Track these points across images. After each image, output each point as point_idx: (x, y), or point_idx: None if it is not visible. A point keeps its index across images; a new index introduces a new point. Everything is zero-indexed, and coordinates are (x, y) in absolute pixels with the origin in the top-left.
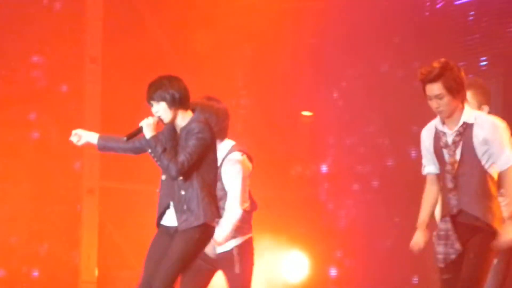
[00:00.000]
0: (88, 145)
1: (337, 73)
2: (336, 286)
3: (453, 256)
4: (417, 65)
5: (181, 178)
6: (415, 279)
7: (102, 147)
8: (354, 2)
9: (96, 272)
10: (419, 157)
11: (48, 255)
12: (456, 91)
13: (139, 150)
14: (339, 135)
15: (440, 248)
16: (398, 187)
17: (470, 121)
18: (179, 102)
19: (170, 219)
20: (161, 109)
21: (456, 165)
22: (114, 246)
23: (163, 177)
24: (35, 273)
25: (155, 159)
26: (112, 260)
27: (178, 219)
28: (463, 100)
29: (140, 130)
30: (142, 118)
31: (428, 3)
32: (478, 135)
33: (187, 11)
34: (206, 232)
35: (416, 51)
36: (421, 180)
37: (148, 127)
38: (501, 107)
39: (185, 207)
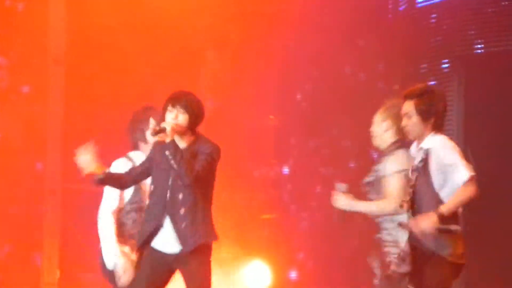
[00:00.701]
0: (51, 146)
1: (301, 76)
2: (299, 286)
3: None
4: (381, 68)
5: (182, 196)
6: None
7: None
8: (318, 5)
9: (58, 274)
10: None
11: (9, 257)
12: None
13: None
14: (303, 137)
15: None
16: (361, 189)
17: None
18: (195, 124)
19: (164, 243)
20: (182, 120)
21: None
22: (76, 248)
23: (150, 201)
24: None
25: (173, 163)
26: (74, 262)
27: (180, 239)
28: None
29: (163, 130)
30: (105, 120)
31: (390, 6)
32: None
33: (152, 13)
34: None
35: (380, 54)
36: None
37: (171, 131)
38: (463, 109)
39: (183, 225)
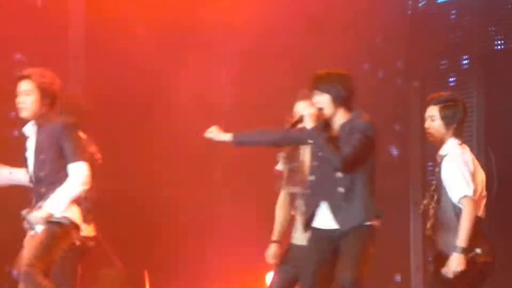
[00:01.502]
0: None
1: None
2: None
3: None
4: (400, 65)
5: (340, 174)
6: (398, 278)
7: (238, 143)
8: (337, 2)
9: None
10: (400, 155)
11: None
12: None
13: (282, 143)
14: None
15: None
16: (382, 186)
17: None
18: (343, 100)
19: (325, 221)
20: (323, 101)
21: None
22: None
23: (312, 177)
24: None
25: (318, 149)
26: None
27: (336, 219)
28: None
29: (301, 119)
30: (125, 117)
31: (410, 2)
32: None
33: (171, 10)
34: (372, 232)
35: (399, 51)
36: (405, 180)
37: (309, 117)
38: (483, 106)
39: (343, 204)
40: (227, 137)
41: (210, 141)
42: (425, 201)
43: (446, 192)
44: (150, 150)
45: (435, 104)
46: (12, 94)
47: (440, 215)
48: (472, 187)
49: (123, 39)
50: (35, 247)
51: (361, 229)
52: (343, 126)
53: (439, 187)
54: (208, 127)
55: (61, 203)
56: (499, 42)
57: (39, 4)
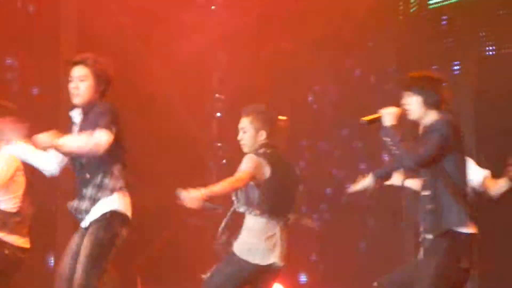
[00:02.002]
0: None
1: (312, 77)
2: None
3: None
4: (391, 69)
5: (423, 178)
6: None
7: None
8: (328, 6)
9: None
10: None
11: None
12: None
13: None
14: (314, 139)
15: None
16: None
17: None
18: (433, 103)
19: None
20: (414, 103)
21: None
22: None
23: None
24: None
25: (393, 147)
26: None
27: (422, 223)
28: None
29: (379, 117)
30: (119, 121)
31: (401, 7)
32: None
33: (163, 17)
34: (454, 240)
35: (391, 56)
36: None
37: (388, 115)
38: (474, 111)
39: (428, 207)
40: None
41: (203, 141)
42: None
43: None
44: (143, 150)
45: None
46: (4, 99)
47: None
48: None
49: (115, 44)
50: None
51: (443, 238)
52: (424, 128)
53: None
54: (201, 126)
55: (69, 143)
56: (490, 47)
57: (31, 8)
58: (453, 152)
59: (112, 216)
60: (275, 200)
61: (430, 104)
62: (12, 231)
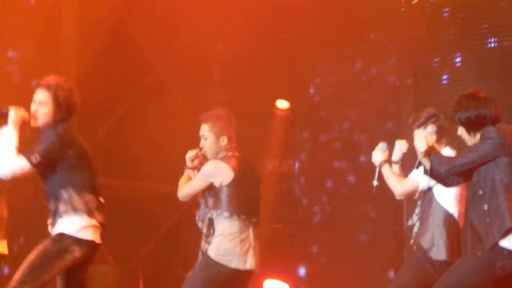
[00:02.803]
0: None
1: (313, 70)
2: (312, 281)
3: None
4: (393, 62)
5: (480, 191)
6: (392, 273)
7: None
8: None
9: None
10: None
11: (24, 249)
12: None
13: None
14: (315, 131)
15: None
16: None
17: None
18: (474, 124)
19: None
20: (462, 133)
21: None
22: None
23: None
24: None
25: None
26: None
27: (483, 236)
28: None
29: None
30: (118, 114)
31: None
32: None
33: (163, 8)
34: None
35: (392, 48)
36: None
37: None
38: None
39: (487, 221)
40: None
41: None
42: None
43: None
44: (142, 146)
45: (418, 128)
46: (5, 91)
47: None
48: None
49: (117, 38)
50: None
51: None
52: None
53: None
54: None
55: None
56: (492, 39)
57: (32, 2)
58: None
59: (64, 235)
60: (242, 201)
61: (472, 127)
62: None
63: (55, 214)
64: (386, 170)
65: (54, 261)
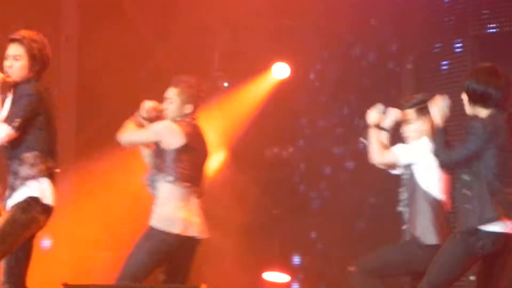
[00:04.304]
0: (63, 125)
1: (313, 56)
2: (310, 268)
3: None
4: (394, 47)
5: (465, 176)
6: None
7: None
8: None
9: None
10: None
11: None
12: None
13: None
14: (314, 117)
15: None
16: (373, 168)
17: None
18: (477, 98)
19: None
20: (464, 99)
21: None
22: None
23: None
24: None
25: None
26: None
27: (462, 218)
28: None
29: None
30: (117, 97)
31: None
32: None
33: None
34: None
35: (393, 33)
36: None
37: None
38: None
39: (469, 207)
40: None
41: None
42: None
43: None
44: None
45: (410, 107)
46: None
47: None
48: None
49: (117, 20)
50: None
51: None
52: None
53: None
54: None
55: None
56: (492, 25)
57: None
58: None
59: (31, 202)
60: (187, 169)
61: (474, 100)
62: None
63: (16, 177)
64: (372, 134)
65: (23, 230)
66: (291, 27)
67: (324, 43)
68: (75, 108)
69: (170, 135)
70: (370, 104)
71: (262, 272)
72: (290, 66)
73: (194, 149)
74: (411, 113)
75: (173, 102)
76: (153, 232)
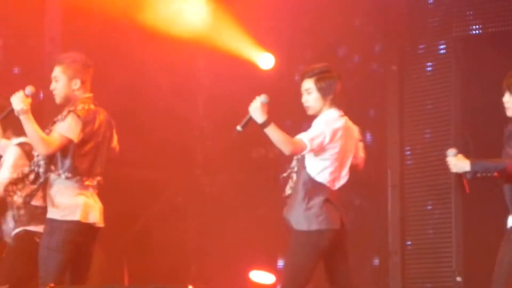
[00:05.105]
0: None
1: (296, 56)
2: None
3: None
4: (377, 48)
5: None
6: (376, 261)
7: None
8: None
9: None
10: (373, 140)
11: None
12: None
13: None
14: (298, 118)
15: None
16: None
17: None
18: None
19: None
20: (507, 100)
21: None
22: None
23: None
24: None
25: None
26: None
27: None
28: None
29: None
30: (102, 98)
31: None
32: None
33: None
34: None
35: (376, 34)
36: (383, 164)
37: None
38: (461, 91)
39: None
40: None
41: (190, 122)
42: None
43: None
44: (134, 133)
45: (310, 77)
46: None
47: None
48: (314, 144)
49: (101, 22)
50: None
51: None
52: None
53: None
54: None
55: None
56: (476, 26)
57: None
58: None
59: None
60: (87, 161)
61: None
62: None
63: None
64: (272, 129)
65: None
66: (273, 27)
67: (308, 44)
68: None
69: (75, 132)
70: (354, 104)
71: (249, 272)
72: (274, 67)
73: (94, 136)
74: (311, 82)
75: (59, 80)
76: (55, 225)
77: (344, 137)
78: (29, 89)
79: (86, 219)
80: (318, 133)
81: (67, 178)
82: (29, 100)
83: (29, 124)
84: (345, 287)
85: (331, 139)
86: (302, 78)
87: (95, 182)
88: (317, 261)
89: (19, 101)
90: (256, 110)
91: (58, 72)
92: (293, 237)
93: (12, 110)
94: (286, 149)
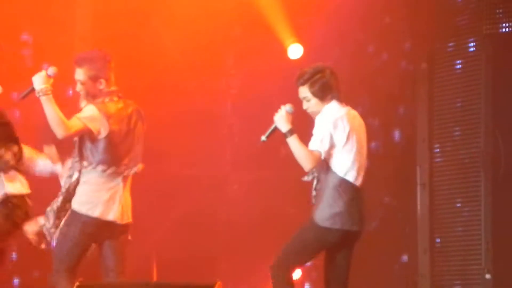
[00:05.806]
0: None
1: (324, 54)
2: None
3: None
4: (407, 46)
5: None
6: (405, 258)
7: None
8: None
9: None
10: (403, 137)
11: (37, 282)
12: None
13: None
14: None
15: None
16: (387, 167)
17: None
18: None
19: None
20: None
21: None
22: None
23: None
24: None
25: None
26: None
27: None
28: None
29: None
30: (131, 96)
31: None
32: None
33: None
34: None
35: (405, 32)
36: (412, 161)
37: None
38: (491, 89)
39: None
40: None
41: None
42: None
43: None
44: (158, 127)
45: (303, 84)
46: (19, 75)
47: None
48: (325, 145)
49: (130, 18)
50: None
51: None
52: None
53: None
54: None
55: None
56: (506, 24)
57: None
58: None
59: None
60: (113, 153)
61: None
62: None
63: None
64: (295, 141)
65: None
66: (302, 25)
67: (336, 41)
68: None
69: (94, 123)
70: (383, 102)
71: None
72: (302, 63)
73: (119, 130)
74: (306, 90)
75: (85, 83)
76: (75, 217)
77: (351, 123)
78: (52, 70)
79: (105, 217)
80: (322, 132)
81: (94, 169)
82: (51, 80)
83: (49, 105)
84: (338, 282)
85: (335, 129)
86: (297, 86)
87: (125, 174)
88: (320, 251)
89: (41, 81)
90: (281, 119)
91: (81, 75)
92: (309, 222)
93: (33, 89)
94: (306, 165)
